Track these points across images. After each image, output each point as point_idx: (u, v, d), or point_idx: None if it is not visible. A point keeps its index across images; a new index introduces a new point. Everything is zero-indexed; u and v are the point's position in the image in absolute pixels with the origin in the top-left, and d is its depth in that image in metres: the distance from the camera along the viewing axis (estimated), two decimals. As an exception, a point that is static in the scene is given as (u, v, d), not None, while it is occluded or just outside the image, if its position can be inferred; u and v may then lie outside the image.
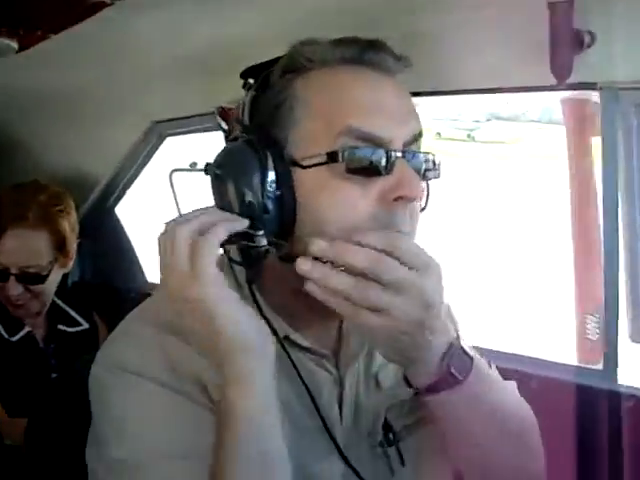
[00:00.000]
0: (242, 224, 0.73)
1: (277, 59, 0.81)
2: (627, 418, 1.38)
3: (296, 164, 0.75)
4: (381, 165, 0.73)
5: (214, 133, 1.91)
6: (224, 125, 1.85)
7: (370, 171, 0.73)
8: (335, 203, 0.73)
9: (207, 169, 0.77)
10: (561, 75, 1.19)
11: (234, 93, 1.71)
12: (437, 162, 0.79)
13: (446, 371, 0.75)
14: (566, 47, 1.16)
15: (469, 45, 1.33)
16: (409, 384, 0.78)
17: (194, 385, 0.76)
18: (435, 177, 0.80)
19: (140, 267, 2.40)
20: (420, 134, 0.78)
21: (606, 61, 1.21)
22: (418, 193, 0.75)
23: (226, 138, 1.87)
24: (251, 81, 0.81)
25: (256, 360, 0.70)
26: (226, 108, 1.83)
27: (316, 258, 0.70)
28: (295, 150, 0.75)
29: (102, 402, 0.78)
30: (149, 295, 0.86)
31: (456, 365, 0.75)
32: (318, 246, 0.70)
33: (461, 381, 0.75)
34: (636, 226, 1.38)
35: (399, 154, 0.74)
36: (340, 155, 0.72)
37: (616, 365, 1.44)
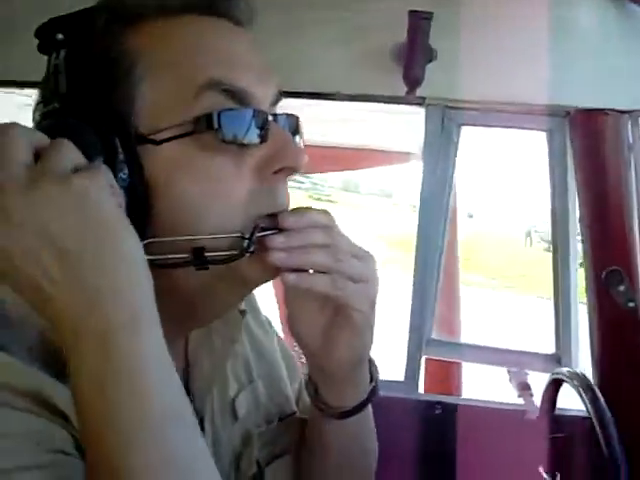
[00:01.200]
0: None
1: (89, 10, 0.62)
2: (433, 425, 1.45)
3: (145, 140, 0.58)
4: (258, 131, 0.60)
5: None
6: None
7: (245, 140, 0.60)
8: (205, 186, 0.58)
9: None
10: (413, 85, 1.23)
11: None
12: (301, 126, 0.69)
13: (373, 387, 0.71)
14: (421, 58, 1.21)
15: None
16: (322, 402, 0.72)
17: (31, 400, 0.54)
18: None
19: None
20: (281, 93, 0.66)
21: (438, 79, 1.29)
22: (303, 161, 0.63)
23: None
24: (60, 37, 0.61)
25: (150, 294, 0.51)
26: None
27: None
28: (142, 121, 0.59)
29: None
30: None
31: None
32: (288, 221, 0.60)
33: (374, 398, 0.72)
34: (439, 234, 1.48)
35: (270, 117, 0.62)
36: (215, 119, 0.58)
37: (417, 376, 1.51)
